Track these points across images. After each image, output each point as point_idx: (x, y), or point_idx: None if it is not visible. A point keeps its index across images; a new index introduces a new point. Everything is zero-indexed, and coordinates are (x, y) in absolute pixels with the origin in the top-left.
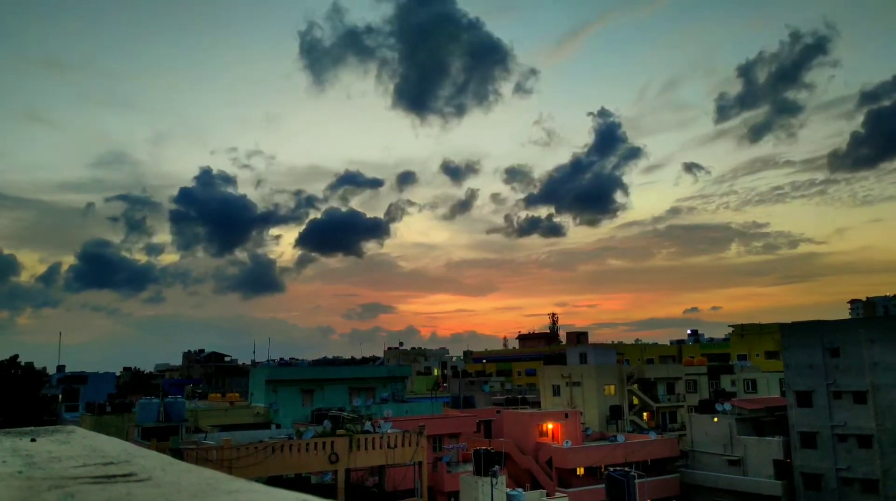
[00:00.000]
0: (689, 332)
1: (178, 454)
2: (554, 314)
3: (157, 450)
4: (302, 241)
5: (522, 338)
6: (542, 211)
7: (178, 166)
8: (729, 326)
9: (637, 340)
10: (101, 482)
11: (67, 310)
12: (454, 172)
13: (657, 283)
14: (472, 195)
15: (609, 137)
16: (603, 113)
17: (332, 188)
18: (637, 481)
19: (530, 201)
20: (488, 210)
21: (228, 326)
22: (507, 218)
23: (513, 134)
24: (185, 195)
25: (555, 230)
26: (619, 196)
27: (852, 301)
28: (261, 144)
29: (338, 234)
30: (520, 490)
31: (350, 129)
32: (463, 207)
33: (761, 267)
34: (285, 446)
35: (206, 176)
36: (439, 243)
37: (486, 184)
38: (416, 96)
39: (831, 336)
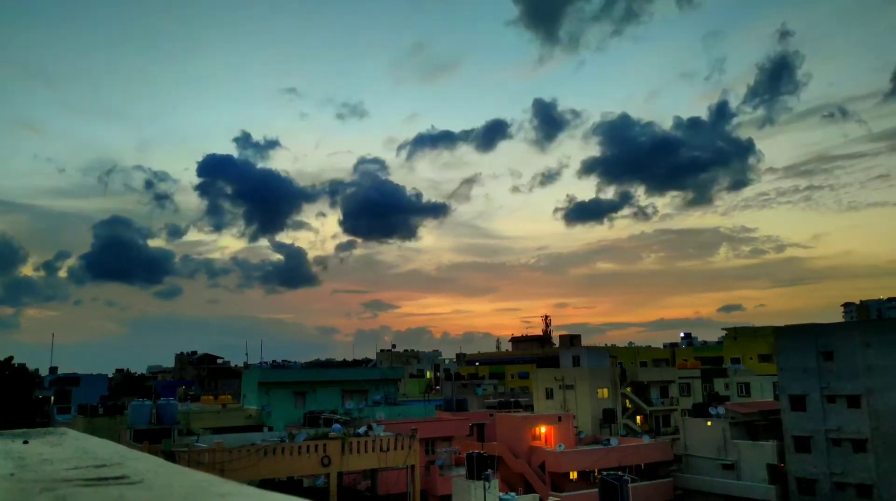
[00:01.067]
0: (682, 335)
1: (170, 456)
2: (546, 316)
3: (150, 453)
4: (344, 223)
5: (515, 341)
6: (637, 187)
7: (168, 168)
8: (722, 328)
9: (631, 343)
10: (92, 484)
11: (61, 309)
12: (552, 124)
13: (670, 285)
14: (562, 164)
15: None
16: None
17: (399, 150)
18: (630, 485)
19: (621, 173)
20: (572, 185)
21: (229, 325)
22: (599, 186)
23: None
24: (210, 165)
25: (643, 213)
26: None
27: (846, 304)
28: (322, 90)
29: (385, 215)
30: (513, 493)
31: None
32: (547, 179)
33: (749, 271)
34: (277, 449)
35: (243, 142)
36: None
37: (578, 148)
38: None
39: (825, 340)
